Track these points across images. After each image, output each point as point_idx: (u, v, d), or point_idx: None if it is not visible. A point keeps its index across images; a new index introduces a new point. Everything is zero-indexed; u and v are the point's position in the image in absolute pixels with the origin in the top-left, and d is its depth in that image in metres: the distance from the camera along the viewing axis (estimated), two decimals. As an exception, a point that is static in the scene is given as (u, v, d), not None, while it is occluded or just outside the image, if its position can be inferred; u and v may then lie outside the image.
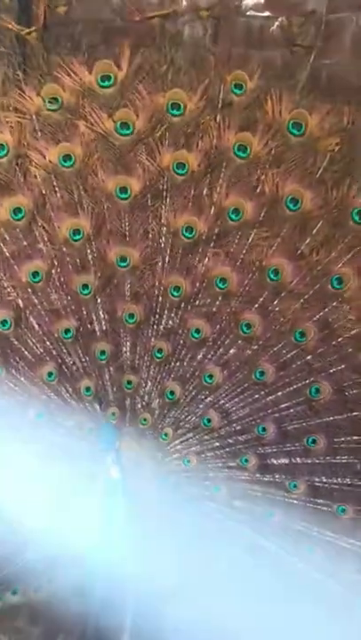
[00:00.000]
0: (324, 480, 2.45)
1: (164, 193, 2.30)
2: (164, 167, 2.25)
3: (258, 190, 2.28)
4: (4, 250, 2.37)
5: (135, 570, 2.42)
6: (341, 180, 2.23)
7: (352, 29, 2.31)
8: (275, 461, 2.50)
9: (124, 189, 2.28)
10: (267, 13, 2.28)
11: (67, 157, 2.25)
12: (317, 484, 2.46)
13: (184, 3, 2.15)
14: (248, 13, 2.28)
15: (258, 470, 2.50)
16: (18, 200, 2.30)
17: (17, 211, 2.31)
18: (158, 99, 2.15)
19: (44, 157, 2.26)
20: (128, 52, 2.09)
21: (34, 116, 2.21)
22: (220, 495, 2.53)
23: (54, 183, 2.30)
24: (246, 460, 2.51)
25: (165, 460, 2.57)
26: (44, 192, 2.31)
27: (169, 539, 2.53)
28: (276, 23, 2.25)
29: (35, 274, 2.39)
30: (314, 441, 2.44)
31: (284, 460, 2.49)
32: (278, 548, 2.47)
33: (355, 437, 2.41)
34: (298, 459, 2.47)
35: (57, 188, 2.31)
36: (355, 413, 2.39)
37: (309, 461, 2.46)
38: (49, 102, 2.18)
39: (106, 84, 2.16)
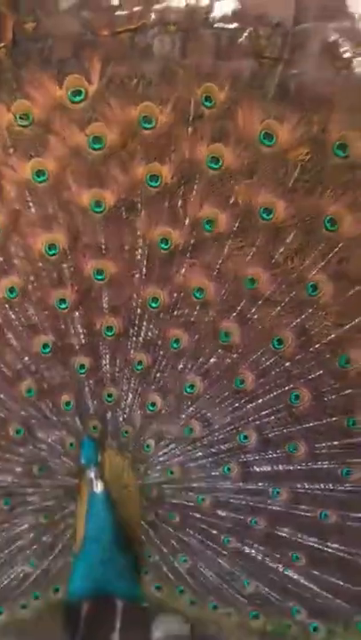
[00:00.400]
0: (307, 486, 2.45)
1: (139, 205, 2.30)
2: (138, 180, 2.26)
3: (231, 201, 2.30)
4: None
5: (120, 583, 2.43)
6: (313, 189, 2.26)
7: (318, 40, 2.37)
8: (257, 469, 2.50)
9: (98, 203, 2.28)
10: (235, 25, 2.31)
11: (40, 173, 2.24)
12: (300, 490, 2.46)
13: (152, 16, 2.17)
14: (216, 25, 2.31)
15: (241, 479, 2.50)
16: None
17: None
18: (130, 112, 2.16)
19: (17, 173, 2.25)
20: (98, 65, 2.10)
21: (5, 132, 2.21)
22: (205, 505, 2.53)
23: (28, 198, 2.30)
24: (229, 469, 2.51)
25: (149, 471, 2.57)
26: (17, 208, 2.31)
27: (154, 550, 2.54)
28: (245, 35, 2.29)
29: (11, 289, 2.39)
30: (295, 447, 2.45)
31: (267, 468, 2.49)
32: (263, 555, 2.48)
33: (335, 443, 2.42)
34: (280, 466, 2.47)
35: (31, 204, 2.31)
36: (334, 419, 2.41)
37: (291, 468, 2.46)
38: (20, 118, 2.18)
39: (77, 98, 2.16)
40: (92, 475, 2.26)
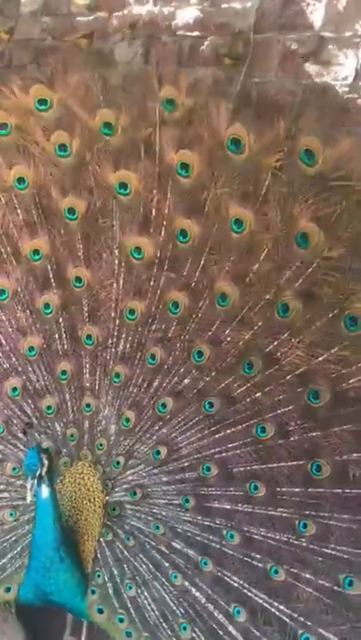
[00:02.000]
0: (263, 533, 2.19)
1: (112, 213, 2.28)
2: (107, 187, 2.23)
3: (204, 211, 2.17)
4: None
5: (64, 595, 2.37)
6: (286, 200, 2.03)
7: (278, 49, 2.20)
8: (216, 505, 2.30)
9: (71, 210, 2.31)
10: (196, 33, 2.21)
11: (20, 180, 2.34)
12: (255, 535, 2.21)
13: (114, 22, 2.15)
14: (178, 33, 2.21)
15: (198, 512, 2.33)
16: None
17: None
18: (90, 119, 2.16)
19: (4, 180, 2.36)
20: (63, 73, 2.13)
21: None
22: (160, 533, 2.38)
23: (15, 205, 2.40)
24: (187, 501, 2.34)
25: (114, 489, 2.49)
26: (5, 213, 2.41)
27: (105, 571, 2.44)
28: (206, 42, 2.17)
29: (1, 292, 2.50)
30: (256, 488, 2.22)
31: (226, 505, 2.28)
32: (207, 600, 2.24)
33: (296, 490, 2.14)
34: (239, 505, 2.25)
35: (18, 210, 2.41)
36: (298, 462, 2.12)
37: (250, 509, 2.23)
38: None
39: (43, 107, 2.22)
40: (28, 484, 2.23)
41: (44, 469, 2.26)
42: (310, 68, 2.20)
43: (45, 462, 2.26)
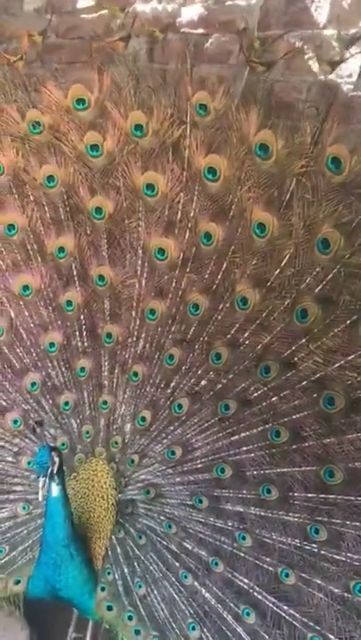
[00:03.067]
0: (274, 537, 2.19)
1: (139, 214, 2.31)
2: (136, 189, 2.27)
3: (230, 215, 2.20)
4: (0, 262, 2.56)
5: (73, 592, 2.38)
6: (309, 206, 2.05)
7: (283, 46, 2.20)
8: (229, 507, 2.31)
9: (99, 210, 2.35)
10: (200, 31, 2.22)
11: (50, 178, 2.38)
12: (266, 539, 2.22)
13: (118, 20, 2.19)
14: (182, 30, 2.24)
15: (211, 513, 2.34)
16: (11, 217, 2.47)
17: (11, 227, 2.47)
18: (122, 120, 2.20)
19: (34, 178, 2.41)
20: (99, 73, 2.18)
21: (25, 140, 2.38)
22: (172, 533, 2.39)
23: (43, 202, 2.44)
24: (200, 501, 2.36)
25: (128, 487, 2.51)
26: (35, 210, 2.46)
27: (115, 568, 2.45)
28: (210, 40, 2.18)
29: (25, 287, 2.54)
30: (269, 491, 2.22)
31: (238, 508, 2.29)
32: (217, 602, 2.24)
33: (309, 495, 2.14)
34: (252, 508, 2.26)
35: (46, 208, 2.45)
36: (311, 468, 2.13)
37: (262, 513, 2.23)
38: (32, 126, 2.34)
39: (81, 106, 2.26)
40: (40, 483, 2.22)
41: (56, 467, 2.27)
42: (315, 65, 2.21)
43: (56, 460, 2.27)
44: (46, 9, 2.41)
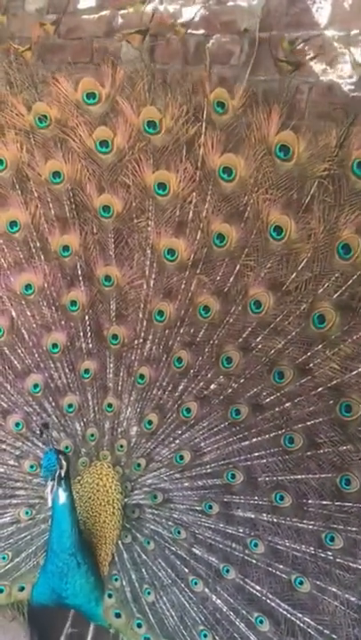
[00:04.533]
0: (287, 544, 2.18)
1: (148, 214, 2.24)
2: (146, 187, 2.20)
3: (245, 216, 2.14)
4: (1, 260, 2.47)
5: (80, 599, 2.34)
6: (330, 210, 2.01)
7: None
8: (240, 513, 2.28)
9: (106, 208, 2.27)
10: (202, 31, 2.17)
11: (56, 174, 2.29)
12: (279, 546, 2.20)
13: (120, 20, 2.10)
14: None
15: (221, 519, 2.31)
16: (14, 214, 2.37)
17: (13, 224, 2.38)
18: (134, 116, 2.12)
19: (39, 174, 2.31)
20: (112, 69, 2.09)
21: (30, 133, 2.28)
22: (181, 539, 2.36)
23: (48, 199, 2.35)
24: (210, 507, 2.32)
25: (135, 491, 2.46)
26: (39, 207, 2.37)
27: (123, 574, 2.41)
28: (212, 41, 2.14)
29: (27, 286, 2.45)
30: (282, 498, 2.20)
31: (250, 514, 2.26)
32: (229, 609, 2.23)
33: (324, 502, 2.12)
34: (264, 515, 2.24)
35: (50, 204, 2.36)
36: (327, 475, 2.11)
37: (275, 520, 2.21)
38: (39, 120, 2.24)
39: (91, 101, 2.17)
40: (48, 487, 2.17)
41: (63, 471, 2.21)
42: (316, 66, 2.16)
43: (64, 464, 2.21)
44: (47, 9, 2.31)
